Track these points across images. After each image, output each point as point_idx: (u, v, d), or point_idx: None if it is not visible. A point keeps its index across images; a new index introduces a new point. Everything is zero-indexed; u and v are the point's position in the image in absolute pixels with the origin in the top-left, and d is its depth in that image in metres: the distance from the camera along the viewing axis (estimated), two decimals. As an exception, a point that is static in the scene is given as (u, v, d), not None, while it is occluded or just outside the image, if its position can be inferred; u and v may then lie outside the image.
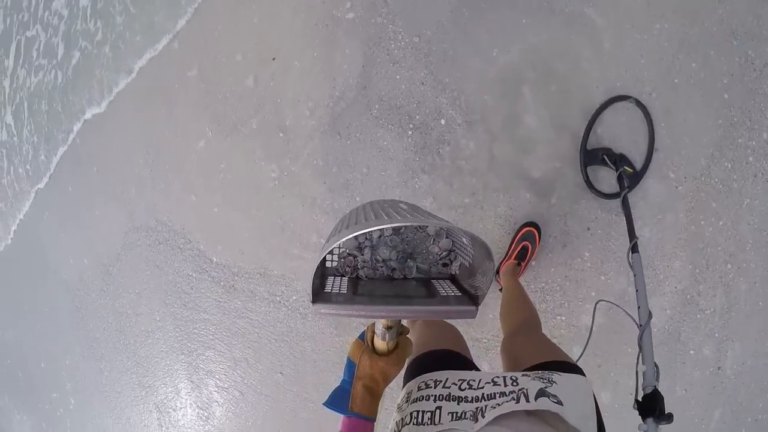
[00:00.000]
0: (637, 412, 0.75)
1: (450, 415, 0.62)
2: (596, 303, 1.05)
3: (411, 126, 1.67)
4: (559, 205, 1.59)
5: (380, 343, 0.63)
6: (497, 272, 1.64)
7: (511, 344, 1.09)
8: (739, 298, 1.58)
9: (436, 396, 0.66)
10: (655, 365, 0.79)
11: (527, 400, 0.61)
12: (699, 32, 1.43)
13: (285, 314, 2.00)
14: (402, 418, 0.66)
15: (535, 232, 1.58)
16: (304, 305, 1.97)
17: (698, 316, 1.61)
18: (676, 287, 1.59)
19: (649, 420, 0.71)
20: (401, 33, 1.63)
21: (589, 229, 1.59)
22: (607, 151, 1.45)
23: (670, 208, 1.53)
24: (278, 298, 1.99)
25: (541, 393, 0.62)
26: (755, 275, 1.56)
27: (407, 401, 0.69)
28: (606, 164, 1.44)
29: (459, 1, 1.56)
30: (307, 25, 1.73)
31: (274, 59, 1.80)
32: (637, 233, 1.24)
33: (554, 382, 0.65)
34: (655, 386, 0.76)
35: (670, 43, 1.44)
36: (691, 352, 1.64)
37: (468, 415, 0.61)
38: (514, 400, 0.62)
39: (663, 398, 0.74)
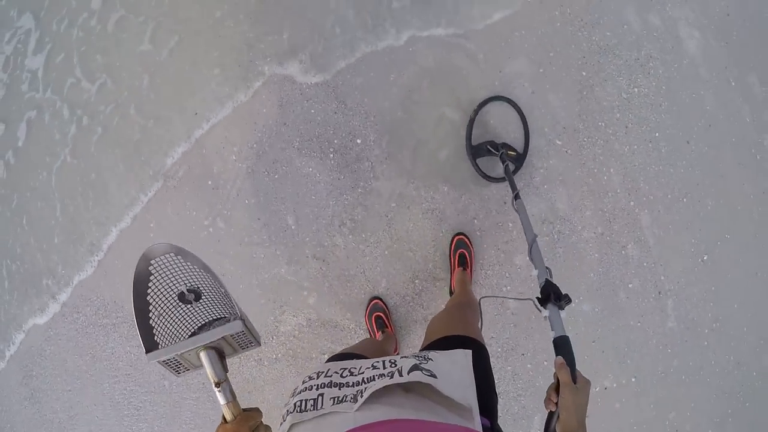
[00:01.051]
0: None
1: (332, 399, 0.64)
2: (480, 299, 1.17)
3: (331, 150, 1.81)
4: (468, 197, 1.77)
5: (224, 410, 0.69)
6: (451, 291, 1.73)
7: (430, 323, 1.15)
8: (651, 226, 1.78)
9: (318, 385, 0.68)
10: (547, 268, 0.92)
11: (400, 375, 0.64)
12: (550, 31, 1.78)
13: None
14: (287, 410, 0.67)
15: (465, 238, 1.72)
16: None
17: (622, 252, 1.77)
18: (594, 233, 1.77)
19: (549, 305, 0.82)
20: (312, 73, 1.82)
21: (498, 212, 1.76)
22: (490, 142, 1.68)
23: (566, 169, 1.75)
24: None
25: (414, 368, 0.66)
26: (656, 204, 1.79)
27: (292, 395, 0.71)
28: (491, 153, 1.67)
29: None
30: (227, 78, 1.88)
31: (196, 114, 1.91)
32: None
33: (430, 359, 0.70)
34: (546, 278, 0.87)
35: (529, 44, 1.77)
36: (630, 285, 1.78)
37: (349, 398, 0.63)
38: (389, 377, 0.65)
39: (555, 285, 0.85)
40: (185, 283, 0.82)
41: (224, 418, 0.69)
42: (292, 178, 1.82)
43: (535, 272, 0.95)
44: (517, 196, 1.29)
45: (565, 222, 1.77)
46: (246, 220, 1.84)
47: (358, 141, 1.81)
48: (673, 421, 1.85)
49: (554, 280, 0.89)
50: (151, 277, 0.79)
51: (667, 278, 1.81)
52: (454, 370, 0.69)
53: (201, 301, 0.83)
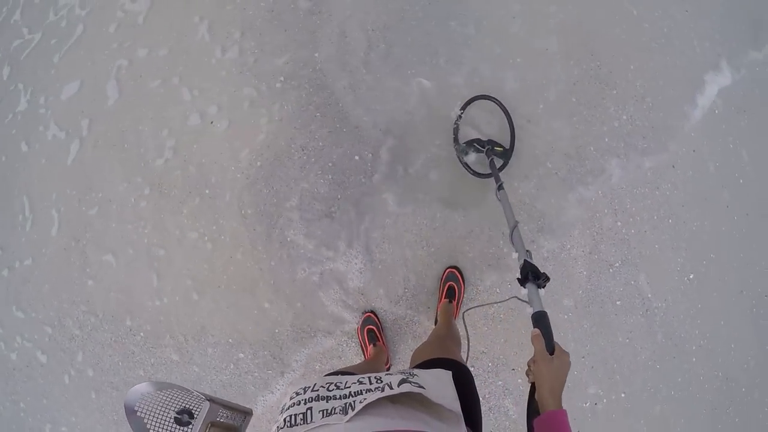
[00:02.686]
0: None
1: (321, 412, 0.65)
2: (463, 313, 1.22)
3: (330, 164, 1.91)
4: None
5: None
6: (437, 320, 1.80)
7: (414, 353, 1.19)
8: (638, 246, 1.88)
9: (306, 399, 0.70)
10: (527, 251, 0.98)
11: (391, 388, 0.67)
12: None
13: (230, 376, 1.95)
14: (277, 427, 0.68)
15: (456, 272, 1.80)
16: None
17: (610, 270, 1.87)
18: (583, 251, 1.86)
19: (528, 283, 0.88)
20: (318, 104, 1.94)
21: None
22: (476, 140, 1.77)
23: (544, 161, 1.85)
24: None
25: (403, 381, 0.69)
26: (642, 225, 1.86)
27: (281, 412, 0.73)
28: (478, 150, 1.75)
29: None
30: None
31: (212, 122, 2.00)
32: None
33: (415, 374, 0.74)
34: (525, 259, 0.93)
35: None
36: (618, 302, 1.87)
37: (338, 410, 0.65)
38: (379, 390, 0.67)
39: (534, 265, 0.91)
40: (173, 409, 0.89)
41: None
42: (292, 189, 1.92)
43: (515, 255, 1.01)
44: (500, 187, 1.38)
45: (555, 241, 1.85)
46: (243, 231, 1.94)
47: (356, 158, 1.90)
48: (664, 437, 1.89)
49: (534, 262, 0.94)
50: (145, 420, 0.88)
51: (655, 296, 1.87)
52: (438, 384, 0.72)
53: (195, 417, 0.90)
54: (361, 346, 1.80)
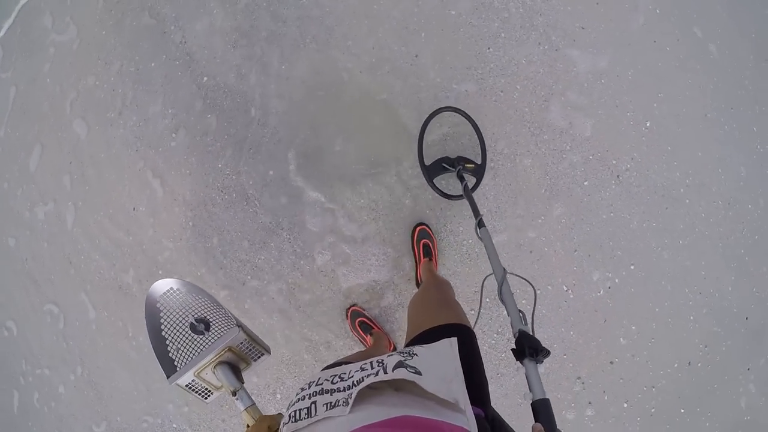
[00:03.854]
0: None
1: (324, 405, 0.65)
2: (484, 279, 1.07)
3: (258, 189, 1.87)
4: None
5: (244, 416, 0.79)
6: (418, 282, 1.77)
7: (410, 306, 1.17)
8: (583, 118, 1.78)
9: (310, 394, 0.69)
10: (520, 311, 0.84)
11: (385, 372, 0.66)
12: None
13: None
14: (283, 422, 0.68)
15: (426, 227, 1.76)
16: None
17: (563, 157, 1.78)
18: (528, 151, 1.77)
19: (525, 360, 0.74)
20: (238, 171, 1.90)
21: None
22: (444, 159, 1.58)
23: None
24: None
25: (399, 365, 0.66)
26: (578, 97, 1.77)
27: (287, 408, 0.72)
28: (447, 170, 1.57)
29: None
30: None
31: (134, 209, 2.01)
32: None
33: (415, 354, 0.70)
34: (520, 329, 0.80)
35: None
36: (585, 183, 1.77)
37: (341, 402, 0.65)
38: (374, 374, 0.67)
39: (532, 336, 0.78)
40: (193, 315, 0.92)
41: (247, 425, 0.75)
42: (237, 239, 1.90)
43: (505, 313, 0.85)
44: (480, 223, 1.17)
45: (500, 155, 1.78)
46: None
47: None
48: (694, 289, 1.82)
49: (531, 323, 0.80)
50: (161, 314, 0.90)
51: (619, 160, 1.79)
52: (440, 363, 0.69)
53: (211, 330, 0.93)
54: (360, 341, 1.79)
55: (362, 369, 0.71)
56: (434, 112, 1.62)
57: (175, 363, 0.89)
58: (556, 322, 1.80)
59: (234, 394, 0.81)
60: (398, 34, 1.81)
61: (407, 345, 0.92)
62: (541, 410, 0.66)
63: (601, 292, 1.79)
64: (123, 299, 2.02)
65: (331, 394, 0.67)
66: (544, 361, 0.75)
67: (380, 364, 0.69)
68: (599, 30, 1.79)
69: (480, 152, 1.61)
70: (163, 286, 0.89)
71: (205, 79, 1.91)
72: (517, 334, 0.79)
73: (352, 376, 0.70)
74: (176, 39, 1.94)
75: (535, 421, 0.65)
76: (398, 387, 0.66)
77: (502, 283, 0.92)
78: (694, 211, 1.81)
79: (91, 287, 2.07)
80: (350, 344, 1.86)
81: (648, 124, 1.80)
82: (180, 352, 0.90)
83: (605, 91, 1.78)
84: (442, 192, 1.54)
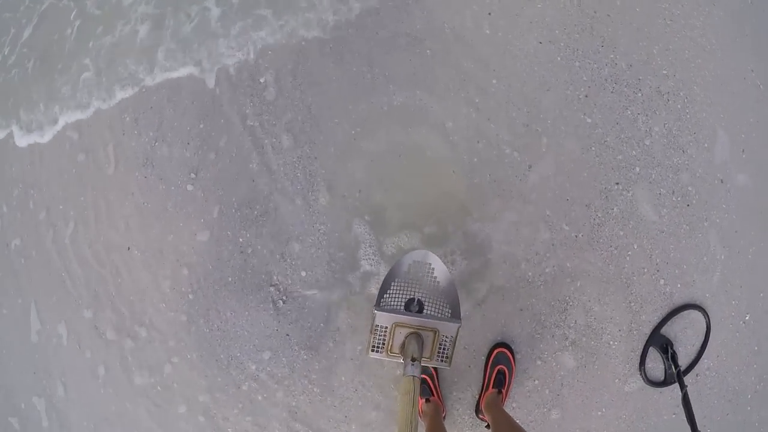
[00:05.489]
0: None
1: None
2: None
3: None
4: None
5: (405, 380, 0.85)
6: (478, 410, 1.48)
7: None
8: None
9: None
10: None
11: None
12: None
13: None
14: None
15: (508, 352, 1.43)
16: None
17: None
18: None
19: None
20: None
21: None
22: (671, 343, 1.50)
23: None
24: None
25: None
26: None
27: None
28: (666, 353, 1.48)
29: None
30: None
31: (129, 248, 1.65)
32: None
33: None
34: None
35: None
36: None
37: None
38: None
39: None
40: (417, 293, 1.01)
41: (404, 393, 0.82)
42: (234, 329, 1.53)
43: None
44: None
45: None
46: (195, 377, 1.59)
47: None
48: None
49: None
50: (396, 279, 1.00)
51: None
52: None
53: (422, 313, 1.01)
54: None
55: None
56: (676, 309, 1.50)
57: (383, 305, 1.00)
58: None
59: (413, 360, 0.87)
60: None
61: None
62: None
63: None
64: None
65: None
66: None
67: None
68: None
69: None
70: (422, 256, 0.98)
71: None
72: None
73: None
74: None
75: None
76: None
77: None
78: (752, 419, 1.63)
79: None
80: None
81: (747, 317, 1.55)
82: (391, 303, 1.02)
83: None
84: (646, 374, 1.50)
